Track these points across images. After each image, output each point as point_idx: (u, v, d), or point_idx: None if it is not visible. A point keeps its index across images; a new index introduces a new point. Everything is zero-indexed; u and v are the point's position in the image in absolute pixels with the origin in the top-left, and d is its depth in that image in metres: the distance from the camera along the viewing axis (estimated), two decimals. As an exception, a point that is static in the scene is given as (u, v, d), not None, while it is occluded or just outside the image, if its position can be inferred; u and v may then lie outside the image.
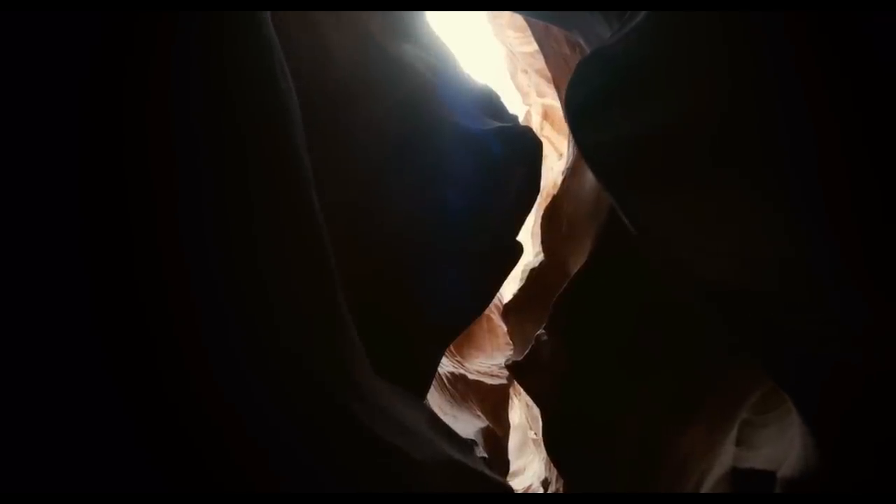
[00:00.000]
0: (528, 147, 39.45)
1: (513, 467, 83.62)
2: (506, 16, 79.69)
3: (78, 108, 7.83)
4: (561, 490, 60.51)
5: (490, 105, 44.40)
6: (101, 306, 8.26)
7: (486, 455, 50.43)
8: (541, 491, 76.21)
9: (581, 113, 15.56)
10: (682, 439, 34.31)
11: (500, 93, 48.02)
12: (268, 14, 12.96)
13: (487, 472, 20.31)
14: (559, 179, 67.44)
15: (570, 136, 60.76)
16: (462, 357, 69.81)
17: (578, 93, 16.19)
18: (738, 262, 13.47)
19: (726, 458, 23.50)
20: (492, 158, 37.59)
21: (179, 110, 9.33)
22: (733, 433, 24.82)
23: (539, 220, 72.99)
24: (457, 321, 39.89)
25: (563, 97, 16.73)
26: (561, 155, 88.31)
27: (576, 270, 46.39)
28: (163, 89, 9.03)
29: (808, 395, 17.09)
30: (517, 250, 41.64)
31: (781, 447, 20.88)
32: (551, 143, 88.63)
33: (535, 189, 40.56)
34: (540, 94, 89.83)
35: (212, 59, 10.02)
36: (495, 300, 68.24)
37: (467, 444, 22.83)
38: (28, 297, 7.47)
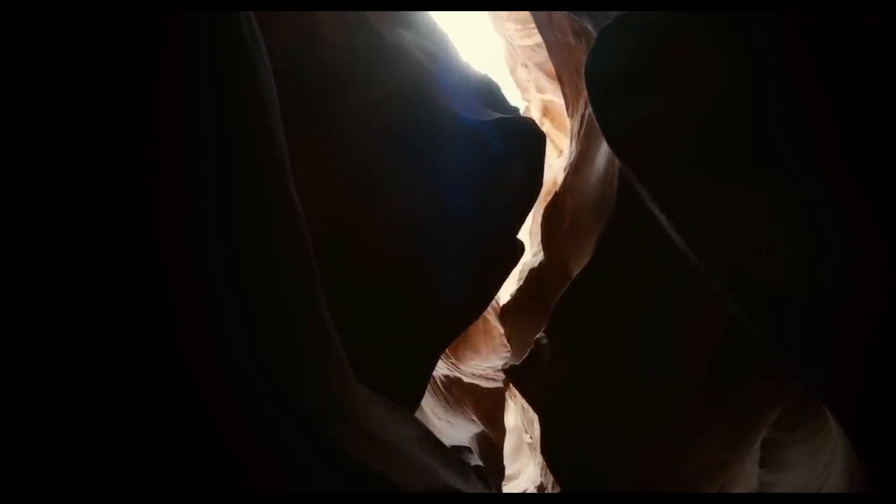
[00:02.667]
0: (529, 139, 37.28)
1: (507, 471, 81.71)
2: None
3: (78, 105, 7.76)
4: (557, 498, 58.47)
5: (490, 95, 42.26)
6: (101, 306, 8.16)
7: (481, 463, 48.34)
8: (536, 497, 74.16)
9: (605, 88, 13.29)
10: (692, 453, 32.28)
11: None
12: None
13: (485, 498, 18.09)
14: (559, 177, 65.34)
15: (572, 133, 58.60)
16: (457, 359, 67.53)
17: (602, 65, 13.92)
18: (797, 262, 11.29)
19: (749, 479, 21.38)
20: (492, 150, 35.46)
21: (187, 107, 9.26)
22: (755, 452, 22.71)
23: (538, 219, 70.90)
24: (454, 323, 37.79)
25: (583, 72, 14.44)
26: (561, 152, 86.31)
27: (578, 271, 44.18)
28: (171, 90, 8.95)
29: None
30: (518, 249, 39.48)
31: (815, 470, 18.73)
32: (551, 140, 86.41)
33: (537, 183, 38.42)
34: (540, 90, 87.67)
35: (219, 55, 10.01)
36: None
37: (464, 465, 20.59)
38: (27, 295, 7.37)
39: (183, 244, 9.26)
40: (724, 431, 29.75)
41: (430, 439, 19.36)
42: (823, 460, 18.54)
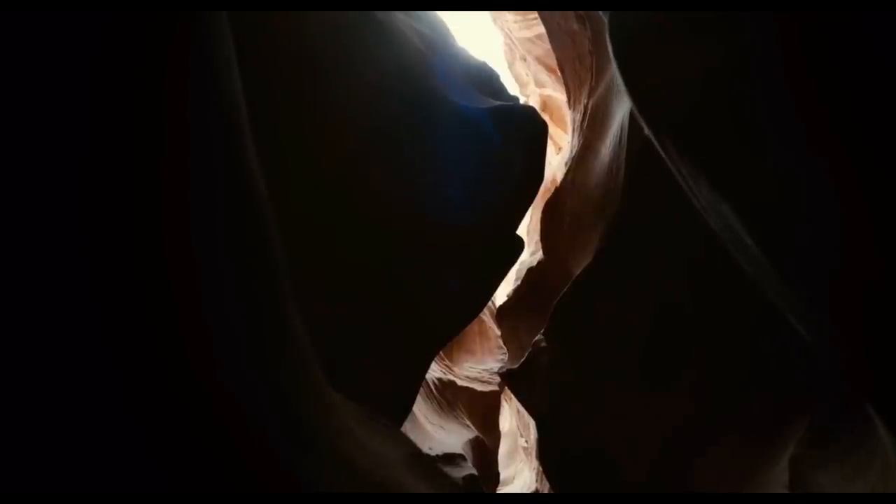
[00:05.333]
0: (530, 127, 35.08)
1: (502, 476, 79.62)
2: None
3: (80, 103, 7.62)
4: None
5: (489, 83, 40.09)
6: (104, 305, 8.00)
7: (474, 471, 46.16)
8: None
9: (635, 43, 10.96)
10: (703, 463, 30.15)
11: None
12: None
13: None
14: (559, 174, 63.20)
15: (574, 126, 56.41)
16: (451, 361, 65.17)
17: (629, 18, 11.56)
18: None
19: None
20: (490, 140, 33.22)
21: (193, 110, 9.24)
22: (780, 471, 20.51)
23: (536, 216, 68.77)
24: (449, 323, 35.56)
25: (607, 27, 12.09)
26: (560, 149, 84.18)
27: (578, 270, 42.03)
28: (179, 92, 8.92)
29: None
30: (517, 245, 37.27)
31: (860, 493, 16.47)
32: (550, 136, 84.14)
33: (537, 174, 36.22)
34: (539, 84, 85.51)
35: (218, 55, 10.04)
36: (488, 300, 63.44)
37: (455, 485, 18.37)
38: (27, 293, 7.24)
39: (188, 243, 9.20)
40: (739, 442, 27.59)
41: (417, 458, 17.13)
42: (871, 475, 16.27)
